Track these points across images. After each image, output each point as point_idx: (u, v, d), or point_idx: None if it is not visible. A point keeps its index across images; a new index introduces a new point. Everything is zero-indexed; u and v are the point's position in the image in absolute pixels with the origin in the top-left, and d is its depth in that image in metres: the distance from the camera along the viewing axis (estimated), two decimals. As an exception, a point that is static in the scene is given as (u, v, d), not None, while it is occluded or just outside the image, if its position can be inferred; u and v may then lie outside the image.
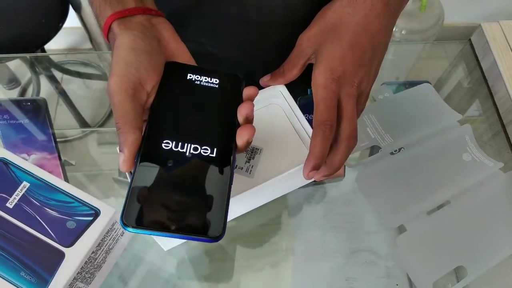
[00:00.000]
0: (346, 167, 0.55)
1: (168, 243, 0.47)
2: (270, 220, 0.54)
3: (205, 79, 0.38)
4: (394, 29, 1.32)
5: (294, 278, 0.51)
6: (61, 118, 0.97)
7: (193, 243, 0.52)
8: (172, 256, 0.51)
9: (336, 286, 0.50)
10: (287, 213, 0.55)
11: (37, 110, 0.57)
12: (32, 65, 1.14)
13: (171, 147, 0.34)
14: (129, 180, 0.34)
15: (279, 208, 0.54)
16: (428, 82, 0.63)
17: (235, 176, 0.43)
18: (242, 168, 0.47)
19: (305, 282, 0.50)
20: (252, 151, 0.48)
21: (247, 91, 0.37)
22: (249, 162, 0.47)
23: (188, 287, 0.50)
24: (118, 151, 0.35)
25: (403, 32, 1.26)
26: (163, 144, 0.34)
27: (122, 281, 0.49)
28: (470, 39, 0.66)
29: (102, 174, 0.61)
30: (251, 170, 0.47)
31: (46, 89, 1.19)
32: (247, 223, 0.53)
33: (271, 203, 0.49)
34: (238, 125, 0.36)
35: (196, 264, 0.51)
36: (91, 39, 1.38)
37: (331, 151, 0.39)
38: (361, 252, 0.51)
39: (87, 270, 0.42)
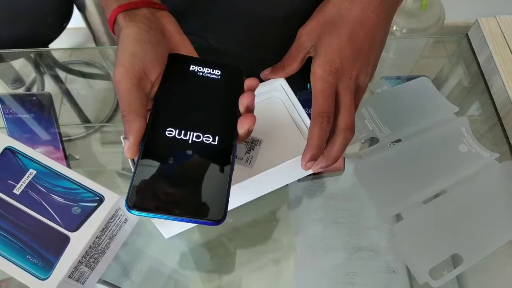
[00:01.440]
0: (345, 161, 0.56)
1: (170, 230, 0.48)
2: (271, 215, 0.54)
3: (207, 70, 0.39)
4: (394, 28, 1.31)
5: (295, 273, 0.51)
6: (65, 117, 0.98)
7: (194, 236, 0.52)
8: (174, 251, 0.52)
9: (337, 281, 0.50)
10: (287, 209, 0.55)
11: (42, 104, 0.57)
12: (36, 64, 1.15)
13: (174, 134, 0.35)
14: (133, 168, 0.34)
15: (279, 204, 0.55)
16: (425, 76, 0.64)
17: (235, 166, 0.44)
18: (242, 159, 0.48)
19: (306, 277, 0.51)
20: (252, 143, 0.49)
21: (248, 82, 0.38)
22: (249, 153, 0.48)
23: (190, 282, 0.51)
24: (122, 140, 0.36)
25: (403, 31, 1.27)
26: (166, 132, 0.35)
27: (124, 276, 0.50)
28: (467, 34, 0.67)
29: (105, 171, 0.62)
30: (250, 161, 0.48)
31: (50, 89, 1.20)
32: (248, 218, 0.53)
33: (271, 198, 0.50)
34: (239, 115, 0.37)
35: (197, 259, 0.52)
36: (95, 39, 1.39)
37: (328, 143, 0.40)
38: (362, 247, 0.52)
39: (91, 254, 0.43)
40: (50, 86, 1.19)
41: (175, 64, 0.39)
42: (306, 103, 0.52)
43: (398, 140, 0.57)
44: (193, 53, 0.41)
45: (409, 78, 0.64)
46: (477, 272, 0.49)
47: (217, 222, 0.32)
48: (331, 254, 0.52)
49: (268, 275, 0.51)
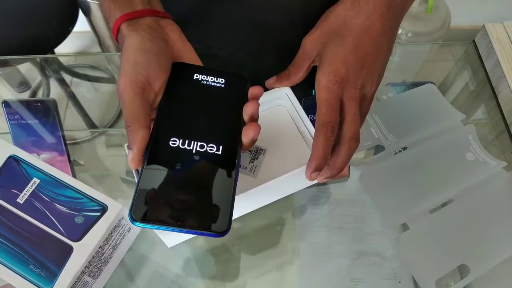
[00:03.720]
0: (350, 167, 0.56)
1: (173, 239, 0.48)
2: (275, 221, 0.54)
3: (211, 79, 0.39)
4: (400, 32, 1.31)
5: (299, 279, 0.51)
6: (70, 120, 0.99)
7: (198, 242, 0.52)
8: (178, 257, 0.52)
9: (341, 287, 0.50)
10: (292, 214, 0.55)
11: (47, 111, 0.58)
12: (42, 68, 1.16)
13: (178, 144, 0.34)
14: (136, 178, 0.34)
15: (284, 209, 0.55)
16: (432, 82, 0.63)
17: (239, 176, 0.44)
18: (245, 168, 0.48)
19: (310, 283, 0.51)
20: (256, 152, 0.49)
21: (253, 90, 0.38)
22: (253, 162, 0.48)
23: (194, 287, 0.51)
24: (126, 149, 0.35)
25: (409, 34, 1.26)
26: (170, 142, 0.34)
27: (129, 281, 0.50)
28: (474, 40, 0.67)
29: (110, 175, 0.62)
30: (254, 170, 0.48)
31: (55, 92, 1.21)
32: (252, 224, 0.53)
33: (276, 204, 0.49)
34: (244, 124, 0.37)
35: (202, 265, 0.52)
36: (100, 43, 1.40)
37: (333, 153, 0.40)
38: (366, 253, 0.52)
39: (94, 264, 0.42)
40: (55, 89, 1.20)
41: (179, 73, 0.38)
42: (310, 109, 0.52)
43: (404, 148, 0.56)
44: (197, 61, 0.40)
45: (415, 84, 0.63)
46: (485, 283, 0.49)
47: (221, 234, 0.31)
48: (335, 260, 0.51)
49: (272, 281, 0.51)
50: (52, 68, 1.11)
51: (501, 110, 0.61)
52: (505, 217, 0.51)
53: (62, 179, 0.44)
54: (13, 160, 0.45)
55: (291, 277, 0.51)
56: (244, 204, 0.47)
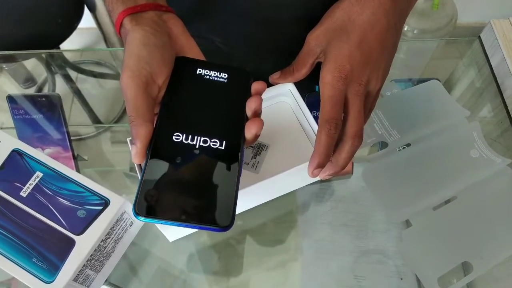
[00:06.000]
0: (354, 165, 0.55)
1: (174, 234, 0.48)
2: (279, 218, 0.54)
3: (214, 73, 0.39)
4: (406, 29, 1.29)
5: (303, 276, 0.51)
6: (75, 116, 0.99)
7: (201, 238, 0.52)
8: (181, 252, 0.52)
9: (345, 284, 0.50)
10: (295, 211, 0.55)
11: (52, 105, 0.58)
12: (47, 64, 1.16)
13: (181, 139, 0.34)
14: (139, 173, 0.34)
15: (287, 206, 0.55)
16: (437, 79, 0.63)
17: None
18: (248, 164, 0.48)
19: (313, 280, 0.51)
20: (258, 147, 0.49)
21: (256, 85, 0.38)
22: (255, 158, 0.48)
23: (198, 283, 0.51)
24: (129, 143, 0.35)
25: (415, 31, 1.26)
26: (173, 137, 0.34)
27: (132, 276, 0.50)
28: (479, 36, 0.66)
29: (114, 171, 0.63)
30: (256, 166, 0.48)
31: (61, 88, 1.22)
32: (255, 221, 0.53)
33: (279, 201, 0.49)
34: (247, 119, 0.37)
35: (205, 261, 0.52)
36: (106, 39, 1.40)
37: (336, 150, 0.40)
38: (370, 251, 0.51)
39: (96, 258, 0.43)
40: (61, 85, 1.21)
41: (182, 67, 0.38)
42: (313, 105, 0.52)
43: (408, 145, 0.56)
44: (200, 56, 0.40)
45: (420, 81, 0.63)
46: (487, 280, 0.49)
47: (225, 228, 0.31)
48: (339, 257, 0.51)
49: (275, 277, 0.51)
50: (58, 64, 1.11)
51: (506, 107, 0.60)
52: (509, 215, 0.51)
53: (65, 173, 0.44)
54: (16, 153, 0.45)
55: (294, 274, 0.52)
56: (246, 200, 0.47)
